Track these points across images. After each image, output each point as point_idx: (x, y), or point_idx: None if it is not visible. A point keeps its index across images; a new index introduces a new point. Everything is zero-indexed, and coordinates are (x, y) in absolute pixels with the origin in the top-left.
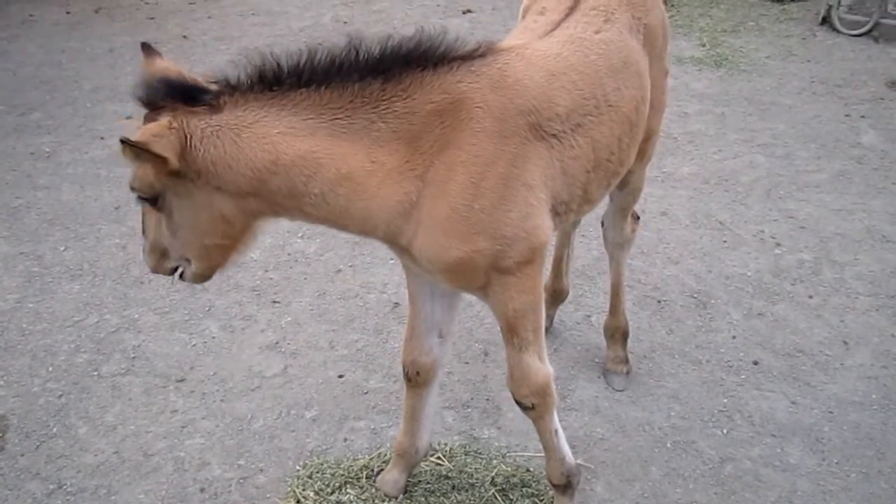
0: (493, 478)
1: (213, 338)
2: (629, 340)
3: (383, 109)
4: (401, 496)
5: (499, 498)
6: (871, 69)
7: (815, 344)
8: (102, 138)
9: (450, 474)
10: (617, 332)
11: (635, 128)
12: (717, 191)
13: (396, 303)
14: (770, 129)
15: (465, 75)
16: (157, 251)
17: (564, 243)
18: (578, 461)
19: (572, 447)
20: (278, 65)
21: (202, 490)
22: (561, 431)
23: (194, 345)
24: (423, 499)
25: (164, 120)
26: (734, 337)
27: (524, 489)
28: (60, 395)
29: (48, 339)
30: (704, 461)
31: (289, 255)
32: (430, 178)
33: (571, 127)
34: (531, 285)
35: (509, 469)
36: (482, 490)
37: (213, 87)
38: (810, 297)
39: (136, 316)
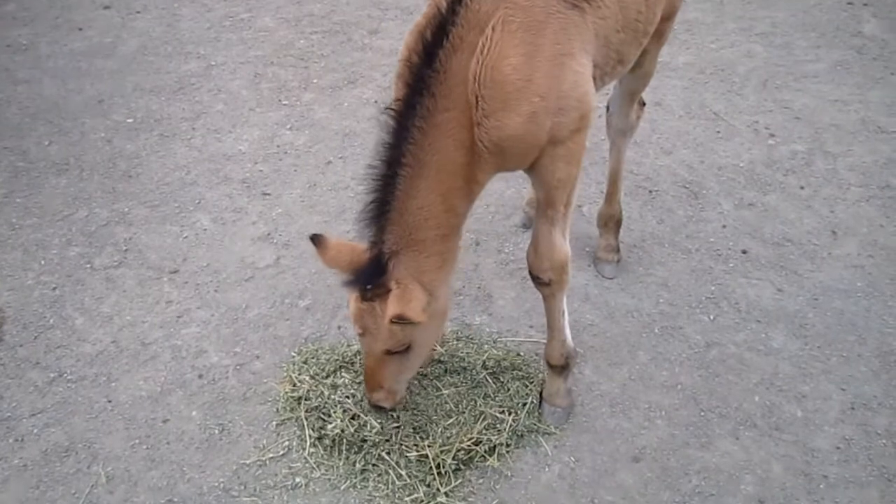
0: (484, 361)
1: (205, 230)
2: (620, 229)
3: (444, 107)
4: None
5: (490, 381)
6: None
7: (803, 233)
8: (80, 29)
9: (442, 359)
10: (611, 221)
11: None
12: (712, 81)
13: None
14: (769, 17)
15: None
16: (394, 388)
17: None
18: None
19: None
20: (374, 199)
21: (200, 376)
22: (567, 313)
23: (186, 237)
24: (416, 382)
25: (399, 289)
26: (724, 226)
27: (514, 372)
28: (55, 288)
29: (39, 233)
30: (690, 346)
31: (278, 147)
32: (488, 97)
33: None
34: (578, 156)
35: (500, 353)
36: (474, 373)
37: (375, 248)
38: (801, 187)
39: (126, 209)
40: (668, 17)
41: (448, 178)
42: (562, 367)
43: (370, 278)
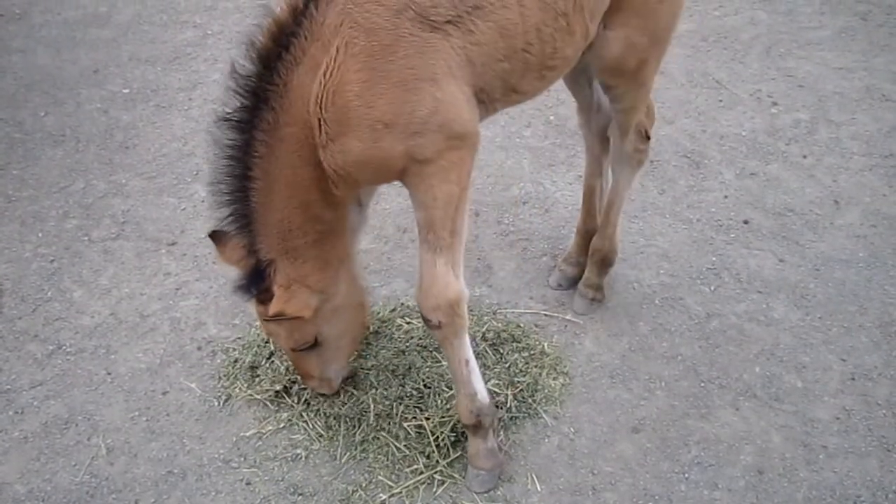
0: (483, 333)
1: (203, 201)
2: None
3: (285, 122)
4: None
5: (490, 352)
6: None
7: (806, 203)
8: None
9: None
10: (596, 254)
11: (563, 17)
12: (715, 48)
13: None
14: None
15: (325, 10)
16: (326, 377)
17: (595, 172)
18: (568, 316)
19: (562, 303)
20: (233, 212)
21: (199, 348)
22: (474, 363)
23: (183, 209)
24: (416, 353)
25: (281, 290)
26: (726, 196)
27: (514, 344)
28: (52, 260)
29: (35, 205)
30: (691, 317)
31: None
32: (330, 121)
33: (467, 10)
34: (456, 176)
35: (500, 325)
36: (474, 345)
37: (253, 256)
38: (804, 156)
39: (123, 181)
40: (637, 68)
41: (301, 193)
42: (475, 426)
43: (254, 285)
